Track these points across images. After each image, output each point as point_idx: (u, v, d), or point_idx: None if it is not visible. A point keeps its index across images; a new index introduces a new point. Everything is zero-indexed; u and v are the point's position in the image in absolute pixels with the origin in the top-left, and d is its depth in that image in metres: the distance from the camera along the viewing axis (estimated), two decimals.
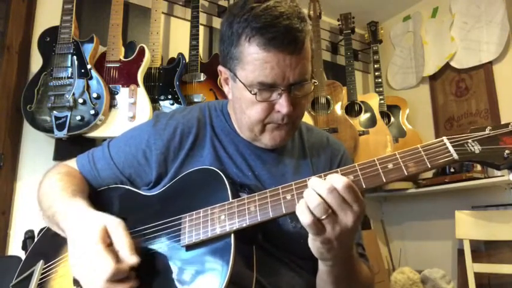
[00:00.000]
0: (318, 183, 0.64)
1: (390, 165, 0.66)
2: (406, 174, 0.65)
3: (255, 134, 0.90)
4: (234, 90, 0.89)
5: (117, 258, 0.70)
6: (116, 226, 0.74)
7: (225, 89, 0.94)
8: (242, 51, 0.81)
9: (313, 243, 0.68)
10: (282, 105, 0.82)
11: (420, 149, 0.67)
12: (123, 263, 0.70)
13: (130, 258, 0.71)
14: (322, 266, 0.76)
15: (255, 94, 0.82)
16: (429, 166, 0.65)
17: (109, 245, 0.72)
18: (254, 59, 0.80)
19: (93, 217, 0.77)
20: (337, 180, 0.64)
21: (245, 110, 0.87)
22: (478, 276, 1.84)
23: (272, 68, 0.79)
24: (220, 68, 0.91)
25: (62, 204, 0.84)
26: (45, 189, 0.93)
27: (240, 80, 0.83)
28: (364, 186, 0.67)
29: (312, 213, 0.63)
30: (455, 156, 0.64)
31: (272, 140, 0.89)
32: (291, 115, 0.85)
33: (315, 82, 0.87)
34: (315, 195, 0.64)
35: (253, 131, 0.90)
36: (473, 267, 1.83)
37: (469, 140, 0.66)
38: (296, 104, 0.85)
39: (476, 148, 0.65)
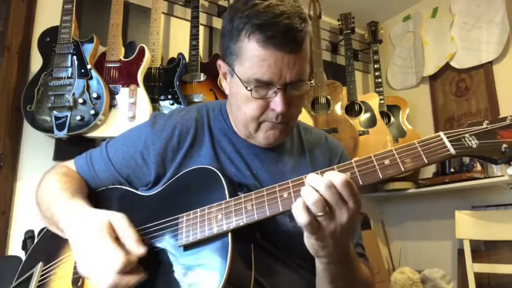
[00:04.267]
0: (316, 180, 0.64)
1: (387, 162, 0.66)
2: (403, 170, 0.65)
3: (250, 132, 0.90)
4: (232, 85, 0.89)
5: (124, 250, 0.71)
6: (119, 220, 0.75)
7: (223, 83, 0.95)
8: (241, 47, 0.81)
9: (308, 241, 0.69)
10: (277, 104, 0.82)
11: (417, 144, 0.66)
12: (132, 255, 0.71)
13: (138, 250, 0.71)
14: (318, 264, 0.76)
15: (251, 90, 0.81)
16: (426, 161, 0.64)
17: (115, 239, 0.73)
18: (252, 56, 0.80)
19: (96, 214, 0.78)
20: (335, 176, 0.63)
21: (241, 106, 0.87)
22: (478, 276, 1.84)
23: (269, 65, 0.79)
24: (220, 62, 0.92)
25: (61, 205, 0.84)
26: (43, 190, 0.93)
27: (237, 76, 0.84)
28: (361, 183, 0.67)
29: (308, 211, 0.63)
30: (452, 151, 0.64)
31: (266, 139, 0.89)
32: (285, 114, 0.85)
33: (311, 83, 0.86)
34: (313, 191, 0.63)
35: (247, 128, 0.89)
36: (473, 267, 1.83)
37: (466, 135, 0.65)
38: (291, 103, 0.85)
39: (474, 142, 0.64)
